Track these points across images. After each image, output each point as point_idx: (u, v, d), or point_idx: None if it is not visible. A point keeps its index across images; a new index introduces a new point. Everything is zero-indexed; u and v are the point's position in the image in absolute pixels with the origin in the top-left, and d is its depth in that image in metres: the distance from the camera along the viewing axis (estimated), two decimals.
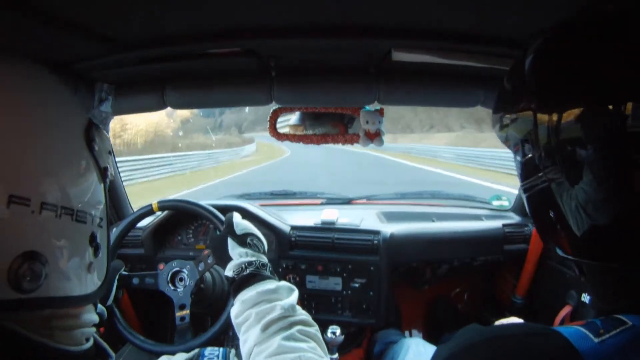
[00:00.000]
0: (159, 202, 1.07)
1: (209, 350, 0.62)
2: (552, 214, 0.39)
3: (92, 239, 0.45)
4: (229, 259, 0.68)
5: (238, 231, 0.71)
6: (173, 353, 0.61)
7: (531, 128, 0.39)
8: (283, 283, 0.62)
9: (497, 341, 0.34)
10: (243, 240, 0.70)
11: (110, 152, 0.53)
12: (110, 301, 0.98)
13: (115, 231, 1.08)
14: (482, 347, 0.34)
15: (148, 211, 1.08)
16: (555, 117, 0.36)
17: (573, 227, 0.36)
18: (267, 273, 0.65)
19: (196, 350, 0.63)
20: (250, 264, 0.65)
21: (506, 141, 0.46)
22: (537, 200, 0.41)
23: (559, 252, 0.40)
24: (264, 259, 0.68)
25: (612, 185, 0.33)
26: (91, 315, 0.48)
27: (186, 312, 0.98)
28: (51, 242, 0.39)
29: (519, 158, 0.43)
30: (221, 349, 0.63)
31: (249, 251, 0.68)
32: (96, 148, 0.47)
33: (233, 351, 0.65)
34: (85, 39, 0.62)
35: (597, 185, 0.33)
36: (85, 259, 0.44)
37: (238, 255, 0.68)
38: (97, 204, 0.47)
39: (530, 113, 0.39)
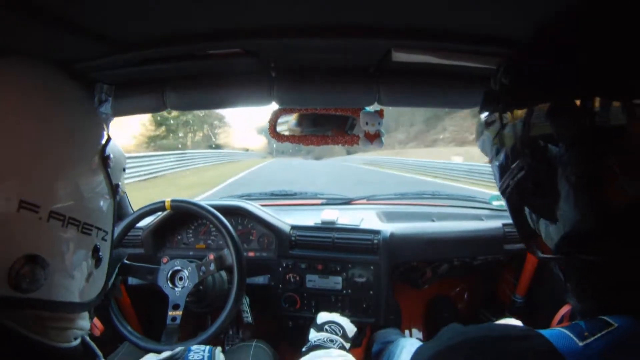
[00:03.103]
0: (172, 201, 1.07)
1: (195, 347, 0.63)
2: (528, 213, 0.40)
3: (95, 251, 0.46)
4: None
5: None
6: (159, 351, 0.62)
7: (501, 128, 0.39)
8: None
9: (478, 343, 0.33)
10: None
11: (124, 170, 0.54)
12: (108, 286, 0.97)
13: (124, 221, 1.08)
14: (463, 349, 0.34)
15: (160, 207, 1.08)
16: (524, 114, 0.36)
17: (548, 224, 0.37)
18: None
19: (182, 347, 0.64)
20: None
21: (483, 147, 0.46)
22: (514, 199, 0.41)
23: (539, 254, 0.40)
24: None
25: (583, 180, 0.33)
26: (85, 322, 0.49)
27: (178, 313, 0.98)
28: (54, 249, 0.40)
29: (496, 162, 0.43)
30: (207, 347, 0.64)
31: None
32: (111, 165, 0.48)
33: (219, 348, 0.65)
34: (85, 40, 0.62)
35: (570, 180, 0.33)
36: (85, 268, 0.45)
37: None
38: (104, 219, 0.47)
39: (499, 113, 0.40)
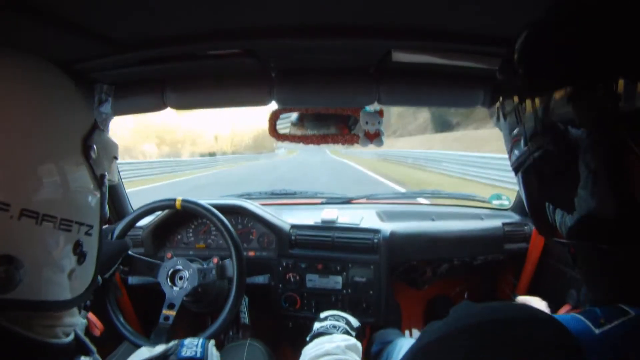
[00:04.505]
0: (183, 200, 1.06)
1: (188, 340, 0.63)
2: (544, 196, 0.38)
3: (77, 246, 0.44)
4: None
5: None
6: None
7: (523, 113, 0.38)
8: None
9: (491, 326, 0.32)
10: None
11: (115, 157, 0.51)
12: (108, 274, 0.95)
13: (132, 213, 1.09)
14: (472, 331, 0.32)
15: (169, 205, 1.08)
16: (543, 98, 0.35)
17: (564, 210, 0.36)
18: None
19: (176, 341, 0.63)
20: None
21: (503, 129, 0.44)
22: (529, 179, 0.40)
23: (551, 238, 0.39)
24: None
25: (605, 166, 0.32)
26: (74, 319, 0.48)
27: (172, 312, 0.98)
28: (29, 248, 0.39)
29: (511, 144, 0.42)
30: (200, 339, 0.63)
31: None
32: (93, 155, 0.45)
33: (212, 342, 0.65)
34: (85, 40, 0.62)
35: (591, 166, 0.32)
36: (66, 266, 0.43)
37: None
38: (87, 213, 0.45)
39: (517, 97, 0.38)
